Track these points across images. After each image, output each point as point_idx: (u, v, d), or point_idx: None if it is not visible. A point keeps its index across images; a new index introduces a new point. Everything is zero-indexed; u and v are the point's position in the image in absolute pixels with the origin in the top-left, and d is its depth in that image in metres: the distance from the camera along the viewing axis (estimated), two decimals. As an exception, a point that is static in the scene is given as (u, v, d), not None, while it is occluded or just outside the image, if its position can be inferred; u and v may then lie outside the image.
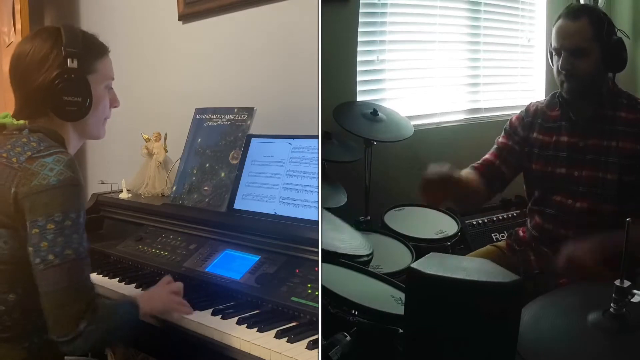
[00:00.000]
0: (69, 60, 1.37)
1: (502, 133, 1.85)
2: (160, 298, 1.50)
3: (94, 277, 1.82)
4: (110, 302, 1.39)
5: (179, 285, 1.56)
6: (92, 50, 1.45)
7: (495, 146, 1.85)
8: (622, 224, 1.52)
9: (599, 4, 2.19)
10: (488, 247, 1.90)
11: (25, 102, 1.41)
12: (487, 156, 1.86)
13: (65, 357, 1.42)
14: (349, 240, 1.44)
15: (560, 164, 1.69)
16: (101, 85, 1.46)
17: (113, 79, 1.50)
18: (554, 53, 1.66)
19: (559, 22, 1.64)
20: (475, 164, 1.85)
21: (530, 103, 1.82)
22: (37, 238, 1.24)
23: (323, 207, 1.62)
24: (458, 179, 1.73)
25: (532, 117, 1.78)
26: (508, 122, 1.85)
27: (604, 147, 1.61)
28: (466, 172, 1.84)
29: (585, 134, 1.65)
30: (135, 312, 1.39)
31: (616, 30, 1.61)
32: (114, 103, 1.51)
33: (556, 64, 1.64)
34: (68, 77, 1.37)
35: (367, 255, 1.59)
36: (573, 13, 1.62)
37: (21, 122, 1.44)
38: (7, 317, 1.31)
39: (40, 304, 1.28)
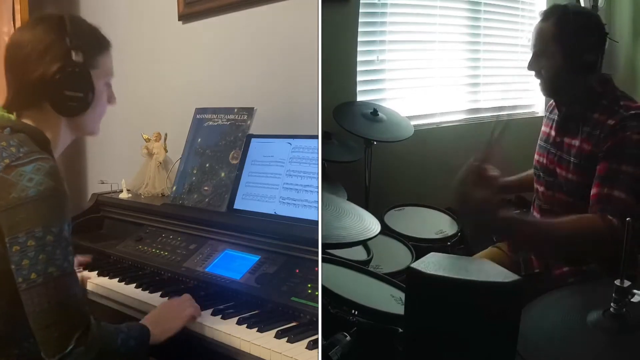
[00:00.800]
0: (73, 53, 1.29)
1: None
2: (171, 317, 1.42)
3: (94, 277, 1.83)
4: (114, 326, 1.28)
5: (186, 296, 1.51)
6: (96, 44, 1.37)
7: None
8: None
9: (599, 5, 2.19)
10: (490, 248, 1.91)
11: (20, 92, 1.32)
12: None
13: None
14: (353, 225, 1.41)
15: (544, 155, 1.74)
16: (102, 81, 1.38)
17: (113, 75, 1.43)
18: None
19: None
20: None
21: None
22: (18, 256, 1.15)
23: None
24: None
25: (547, 111, 1.83)
26: None
27: (570, 146, 1.63)
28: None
29: (561, 131, 1.68)
30: (145, 337, 1.30)
31: (591, 31, 1.59)
32: (110, 100, 1.43)
33: None
34: (72, 70, 1.28)
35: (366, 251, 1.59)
36: (544, 14, 1.64)
37: (6, 116, 1.32)
38: None
39: (25, 308, 1.21)
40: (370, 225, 1.39)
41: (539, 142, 1.79)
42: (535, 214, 1.79)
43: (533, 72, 1.67)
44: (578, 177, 1.59)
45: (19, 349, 1.27)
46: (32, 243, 1.15)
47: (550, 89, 1.67)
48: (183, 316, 1.43)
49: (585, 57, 1.57)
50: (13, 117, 1.33)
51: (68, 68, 1.28)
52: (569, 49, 1.57)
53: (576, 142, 1.60)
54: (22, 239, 1.15)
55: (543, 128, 1.80)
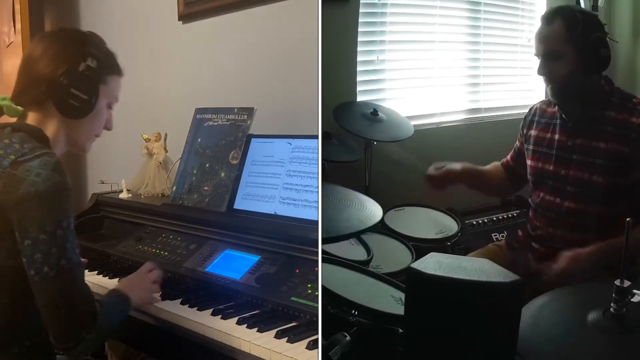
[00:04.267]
0: (89, 58, 1.35)
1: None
2: (144, 289, 1.53)
3: (94, 277, 1.83)
4: (104, 303, 1.34)
5: (159, 273, 1.60)
6: (110, 64, 1.44)
7: (513, 147, 1.91)
8: (609, 226, 1.53)
9: (599, 4, 2.19)
10: (489, 246, 1.91)
11: (27, 87, 1.36)
12: (507, 156, 1.92)
13: (57, 357, 1.39)
14: (355, 215, 1.40)
15: (549, 161, 1.70)
16: (105, 100, 1.43)
17: (117, 100, 1.48)
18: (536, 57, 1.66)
19: (538, 27, 1.64)
20: (502, 160, 1.94)
21: (537, 102, 1.84)
22: (30, 250, 1.19)
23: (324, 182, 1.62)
24: (475, 171, 1.91)
25: (532, 115, 1.81)
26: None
27: (591, 148, 1.60)
28: (492, 165, 1.95)
29: (574, 134, 1.65)
30: (127, 307, 1.40)
31: (599, 29, 1.58)
32: (108, 123, 1.48)
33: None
34: (82, 72, 1.34)
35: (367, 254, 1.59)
36: (547, 17, 1.61)
37: (20, 109, 1.37)
38: None
39: (29, 309, 1.25)
40: (372, 212, 1.37)
41: (535, 149, 1.75)
42: (536, 223, 1.75)
43: (542, 77, 1.64)
44: (606, 179, 1.57)
45: (19, 348, 1.29)
46: (44, 237, 1.19)
47: (563, 92, 1.63)
48: (151, 290, 1.55)
49: (602, 52, 1.56)
50: (21, 109, 1.37)
51: (79, 68, 1.33)
52: (583, 48, 1.55)
53: (600, 144, 1.57)
54: (33, 233, 1.19)
55: (537, 133, 1.75)
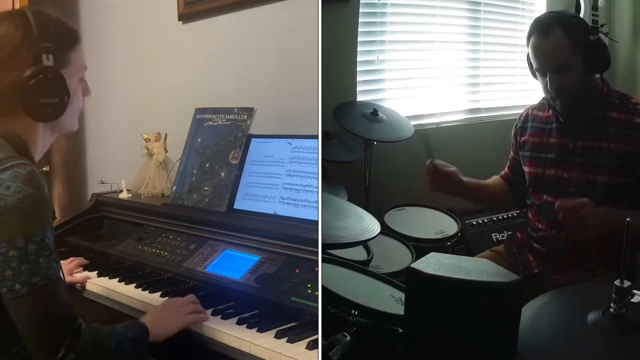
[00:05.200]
0: (44, 57, 1.23)
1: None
2: (173, 316, 1.42)
3: (95, 278, 1.83)
4: (109, 327, 1.26)
5: (191, 296, 1.51)
6: (65, 40, 1.30)
7: (509, 159, 1.91)
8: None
9: (599, 4, 2.19)
10: (486, 252, 1.91)
11: None
12: (505, 169, 1.92)
13: None
14: (353, 225, 1.41)
15: (548, 165, 1.70)
16: (75, 78, 1.32)
17: (86, 68, 1.36)
18: (537, 72, 1.63)
19: (533, 39, 1.60)
20: (501, 173, 1.94)
21: (525, 109, 1.83)
22: (0, 266, 1.12)
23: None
24: (476, 184, 1.88)
25: (523, 122, 1.80)
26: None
27: (594, 149, 1.59)
28: (493, 179, 1.94)
29: (575, 136, 1.64)
30: (143, 337, 1.30)
31: (594, 31, 1.59)
32: (86, 93, 1.37)
33: (543, 83, 1.62)
34: (44, 77, 1.23)
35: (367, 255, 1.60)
36: (545, 29, 1.58)
37: None
38: None
39: (11, 320, 1.18)
40: (370, 225, 1.39)
41: (532, 155, 1.74)
42: (537, 225, 1.75)
43: (551, 93, 1.60)
44: (611, 178, 1.57)
45: (7, 355, 1.24)
46: (14, 253, 1.12)
47: (574, 102, 1.60)
48: (184, 319, 1.42)
49: (605, 55, 1.55)
50: None
51: (40, 75, 1.23)
52: (587, 54, 1.54)
53: (604, 144, 1.57)
54: (3, 249, 1.12)
55: (532, 139, 1.75)
